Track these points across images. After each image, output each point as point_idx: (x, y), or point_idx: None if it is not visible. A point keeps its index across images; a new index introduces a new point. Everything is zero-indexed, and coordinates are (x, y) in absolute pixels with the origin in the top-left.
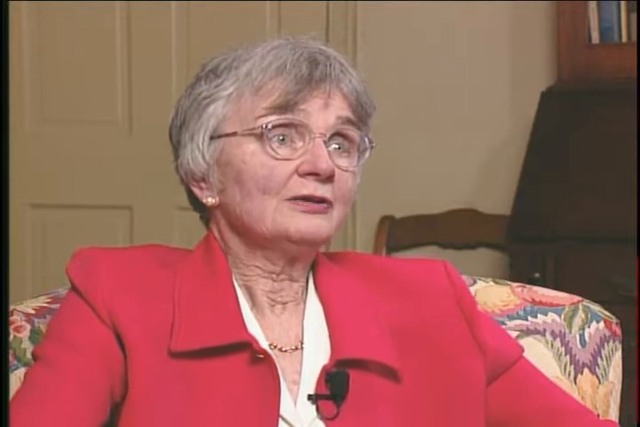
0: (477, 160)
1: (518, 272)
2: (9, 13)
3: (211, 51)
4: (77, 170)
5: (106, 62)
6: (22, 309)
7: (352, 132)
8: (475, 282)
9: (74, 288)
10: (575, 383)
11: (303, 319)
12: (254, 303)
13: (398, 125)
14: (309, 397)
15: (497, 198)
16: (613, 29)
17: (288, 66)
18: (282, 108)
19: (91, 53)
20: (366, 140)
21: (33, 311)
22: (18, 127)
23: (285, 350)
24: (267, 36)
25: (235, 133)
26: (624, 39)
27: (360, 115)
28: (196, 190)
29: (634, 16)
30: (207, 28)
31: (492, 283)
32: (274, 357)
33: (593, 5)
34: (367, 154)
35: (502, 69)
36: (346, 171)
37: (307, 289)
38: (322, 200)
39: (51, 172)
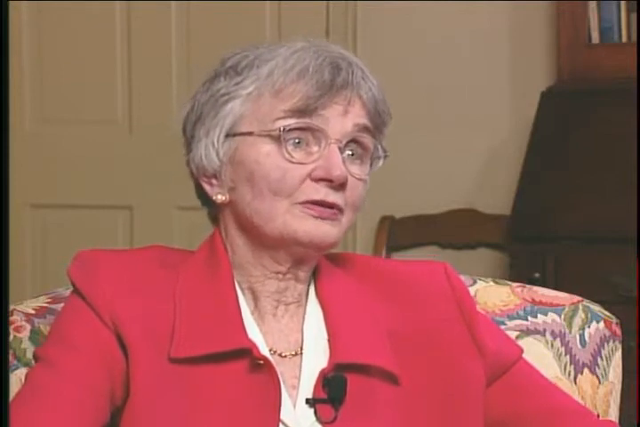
0: (477, 160)
1: (518, 272)
2: (9, 13)
3: (211, 51)
4: (77, 170)
5: (106, 62)
6: (22, 309)
7: (367, 140)
8: (475, 282)
9: (75, 291)
10: (575, 383)
11: (303, 324)
12: (256, 307)
13: (398, 125)
14: (307, 401)
15: (497, 198)
16: (613, 29)
17: (310, 70)
18: (301, 111)
19: (91, 53)
20: (380, 148)
21: (33, 311)
22: (18, 127)
23: (285, 356)
24: (267, 35)
25: (251, 133)
26: (624, 39)
27: (377, 123)
28: (206, 186)
29: (634, 16)
30: (207, 28)
31: (491, 283)
32: (273, 362)
33: (593, 5)
34: (380, 162)
35: (502, 69)
36: (359, 179)
37: (307, 292)
38: (332, 206)
39: (51, 172)
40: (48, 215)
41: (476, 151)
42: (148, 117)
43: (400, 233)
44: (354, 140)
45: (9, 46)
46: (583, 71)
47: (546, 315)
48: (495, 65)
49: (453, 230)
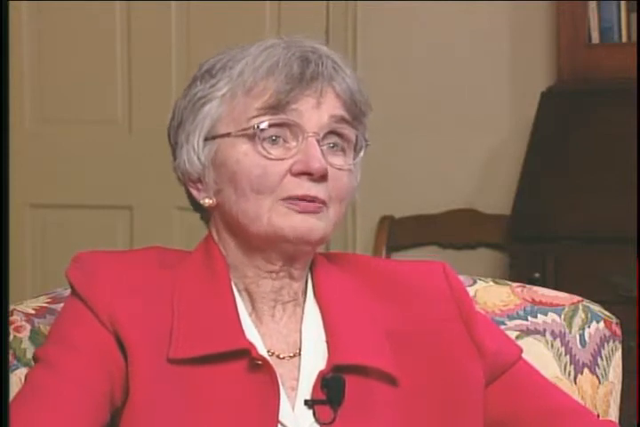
0: (477, 160)
1: (518, 272)
2: (9, 13)
3: (211, 51)
4: (77, 170)
5: (106, 62)
6: (22, 309)
7: (347, 131)
8: (474, 282)
9: (74, 293)
10: (575, 383)
11: (301, 325)
12: (254, 308)
13: (398, 125)
14: (306, 402)
15: (497, 198)
16: (613, 29)
17: (280, 65)
18: (274, 108)
19: (91, 53)
20: (362, 138)
21: (33, 311)
22: (18, 127)
23: (283, 357)
24: (267, 36)
25: (229, 134)
26: (624, 39)
27: (355, 113)
28: (194, 191)
29: (634, 16)
30: (207, 28)
31: (491, 283)
32: (272, 363)
33: (593, 5)
34: (362, 152)
35: (502, 69)
36: (340, 169)
37: (305, 292)
38: (315, 200)
39: (51, 172)
40: (48, 215)
41: (476, 151)
42: (148, 117)
43: (400, 233)
44: (333, 132)
45: (9, 46)
46: (583, 71)
47: (546, 315)
48: (495, 65)
49: (453, 230)
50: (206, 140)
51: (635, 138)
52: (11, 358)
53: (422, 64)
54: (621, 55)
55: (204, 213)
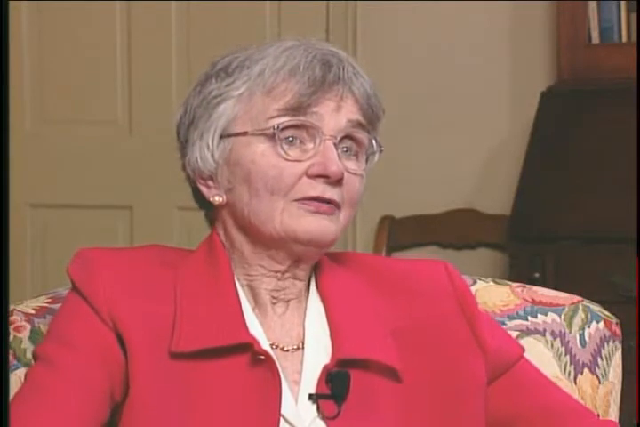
0: (477, 160)
1: (518, 272)
2: (9, 13)
3: (211, 51)
4: (77, 170)
5: (106, 62)
6: (22, 309)
7: (361, 136)
8: (475, 282)
9: (75, 289)
10: (575, 383)
11: (304, 319)
12: (257, 303)
13: (398, 125)
14: (310, 396)
15: (497, 198)
16: (613, 29)
17: (301, 68)
18: (294, 109)
19: (91, 53)
20: (374, 143)
21: (33, 311)
22: (18, 127)
23: (287, 350)
24: (267, 35)
25: (245, 133)
26: (624, 39)
27: (370, 118)
28: (204, 189)
29: (634, 16)
30: (207, 28)
31: (491, 283)
32: (274, 357)
33: (593, 5)
34: (376, 157)
35: (502, 69)
36: (354, 174)
37: (308, 288)
38: (329, 202)
39: (51, 172)
40: (48, 215)
41: (476, 151)
42: (148, 118)
43: (400, 233)
44: (348, 136)
45: (9, 46)
46: (583, 71)
47: (546, 315)
48: (495, 65)
49: (453, 230)
50: (221, 138)
51: (635, 138)
52: (11, 358)
53: (422, 64)
54: (621, 55)
55: (210, 210)
